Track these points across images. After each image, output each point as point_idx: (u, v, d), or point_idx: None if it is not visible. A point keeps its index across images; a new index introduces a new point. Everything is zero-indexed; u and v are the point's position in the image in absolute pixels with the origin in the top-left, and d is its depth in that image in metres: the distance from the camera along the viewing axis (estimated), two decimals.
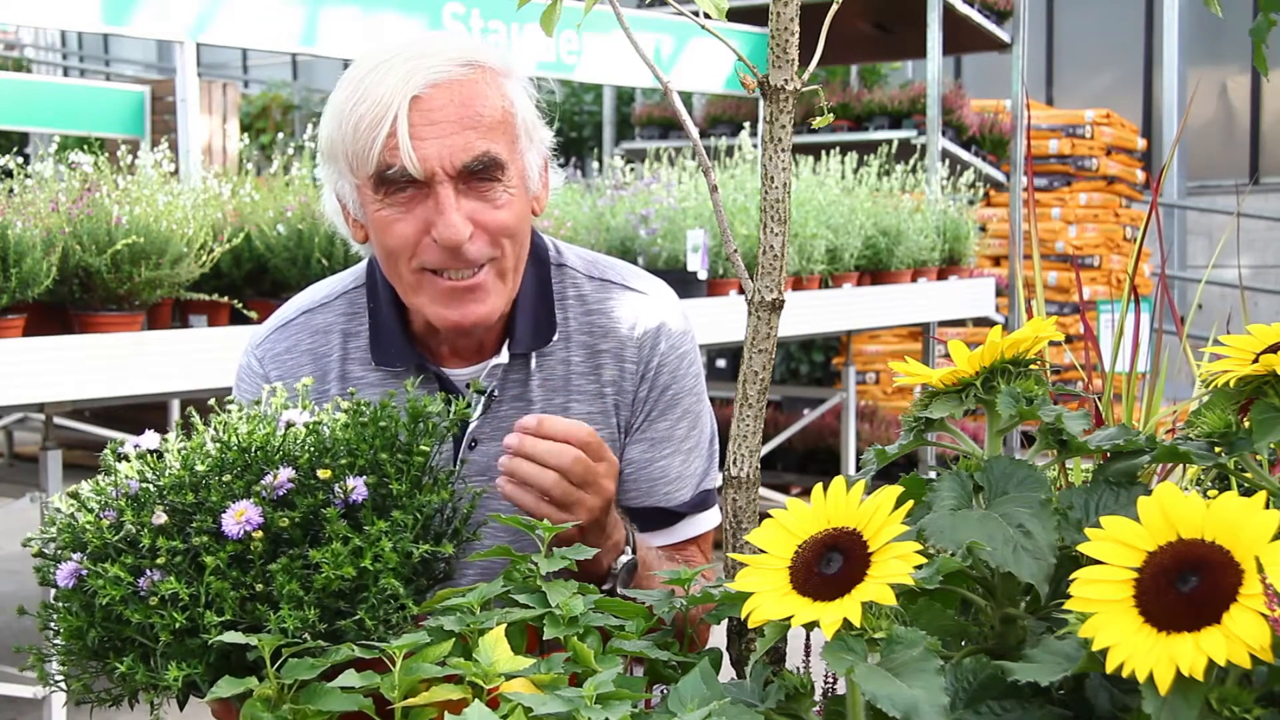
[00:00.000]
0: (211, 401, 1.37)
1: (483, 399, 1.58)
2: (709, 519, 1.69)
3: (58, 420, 3.95)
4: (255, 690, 1.06)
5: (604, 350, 1.63)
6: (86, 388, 3.51)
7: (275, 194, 4.30)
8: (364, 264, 1.67)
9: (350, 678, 1.04)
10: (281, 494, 1.17)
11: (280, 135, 5.15)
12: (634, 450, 1.64)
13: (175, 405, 6.63)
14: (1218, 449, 1.07)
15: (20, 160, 3.81)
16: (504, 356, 1.59)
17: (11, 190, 3.62)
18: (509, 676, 1.04)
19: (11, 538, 6.20)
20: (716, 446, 1.71)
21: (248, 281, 4.17)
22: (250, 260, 4.14)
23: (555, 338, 1.62)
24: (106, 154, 4.01)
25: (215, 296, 3.89)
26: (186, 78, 4.70)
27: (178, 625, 1.13)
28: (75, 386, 3.48)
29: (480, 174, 1.48)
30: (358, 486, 1.18)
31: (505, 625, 1.09)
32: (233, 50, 15.02)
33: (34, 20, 5.55)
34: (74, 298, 3.61)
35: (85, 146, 4.51)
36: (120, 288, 3.58)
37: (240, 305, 3.92)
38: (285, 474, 1.17)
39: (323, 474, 1.18)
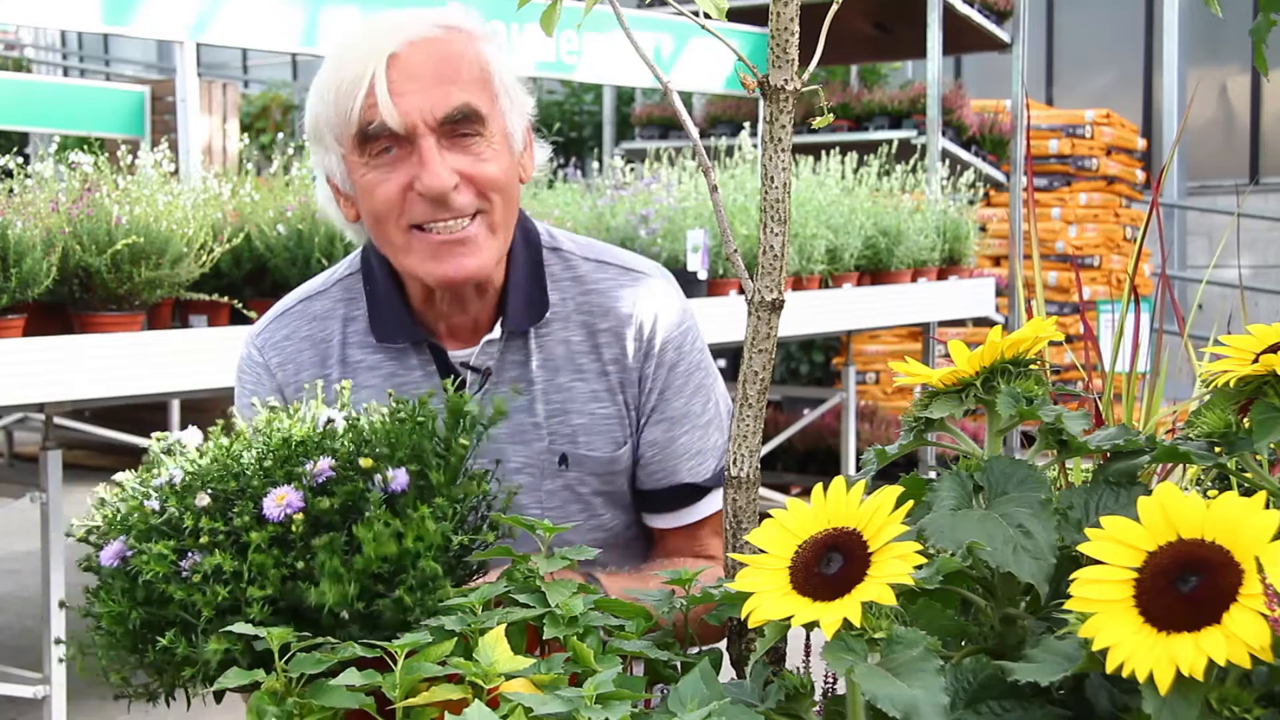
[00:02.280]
0: (253, 402, 1.38)
1: (478, 377, 1.60)
2: None
3: (58, 420, 3.94)
4: (264, 683, 1.06)
5: (603, 329, 1.64)
6: (86, 388, 3.50)
7: (275, 194, 4.30)
8: (357, 252, 1.69)
9: (352, 675, 1.04)
10: (321, 481, 1.18)
11: (280, 135, 5.14)
12: (654, 431, 1.65)
13: (175, 405, 6.63)
14: (1218, 449, 1.07)
15: (20, 160, 3.81)
16: (496, 332, 1.60)
17: (11, 190, 3.61)
18: (509, 676, 1.04)
19: (11, 538, 6.20)
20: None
21: (248, 281, 4.16)
22: (250, 260, 4.14)
23: (553, 317, 1.63)
24: (106, 154, 4.01)
25: (215, 296, 3.88)
26: (186, 78, 4.70)
27: (220, 599, 1.14)
28: (75, 386, 3.48)
29: (461, 124, 1.50)
30: (398, 475, 1.18)
31: (505, 625, 1.10)
32: (233, 50, 15.01)
33: (34, 20, 5.55)
34: (74, 298, 3.61)
35: (85, 146, 4.50)
36: (120, 288, 3.58)
37: (240, 305, 3.91)
38: (325, 462, 1.18)
39: (364, 463, 1.18)
